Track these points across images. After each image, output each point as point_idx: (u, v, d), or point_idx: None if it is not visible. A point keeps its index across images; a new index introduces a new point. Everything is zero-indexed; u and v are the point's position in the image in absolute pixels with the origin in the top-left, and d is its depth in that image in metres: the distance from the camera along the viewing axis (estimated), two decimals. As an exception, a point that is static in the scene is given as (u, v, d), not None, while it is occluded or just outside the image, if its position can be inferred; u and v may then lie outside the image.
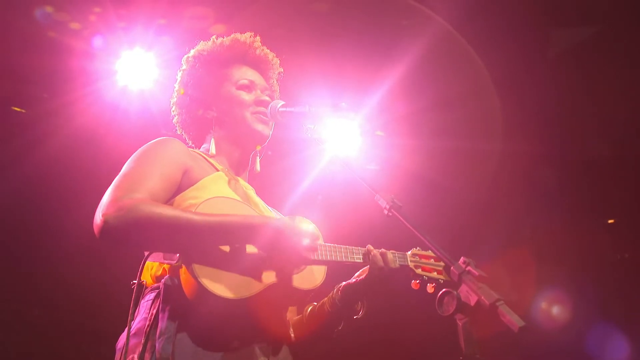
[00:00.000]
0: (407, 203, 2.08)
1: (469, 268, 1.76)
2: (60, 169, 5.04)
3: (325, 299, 2.45)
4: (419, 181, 5.58)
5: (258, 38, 2.72)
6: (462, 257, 1.80)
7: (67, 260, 5.28)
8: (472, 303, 1.70)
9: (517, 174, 5.83)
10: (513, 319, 1.62)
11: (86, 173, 5.04)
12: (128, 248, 2.18)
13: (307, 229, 2.23)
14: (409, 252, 2.54)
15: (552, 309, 6.13)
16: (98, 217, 2.03)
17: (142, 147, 2.32)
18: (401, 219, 2.01)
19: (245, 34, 2.70)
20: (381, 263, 2.37)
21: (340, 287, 2.43)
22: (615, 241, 6.26)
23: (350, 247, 2.37)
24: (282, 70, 2.80)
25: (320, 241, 2.32)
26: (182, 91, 2.66)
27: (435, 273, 2.49)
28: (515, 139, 5.45)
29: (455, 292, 1.74)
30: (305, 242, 2.16)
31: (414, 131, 5.51)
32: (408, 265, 2.47)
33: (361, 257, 2.38)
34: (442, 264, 2.50)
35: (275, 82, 2.78)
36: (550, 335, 5.59)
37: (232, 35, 2.69)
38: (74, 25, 4.45)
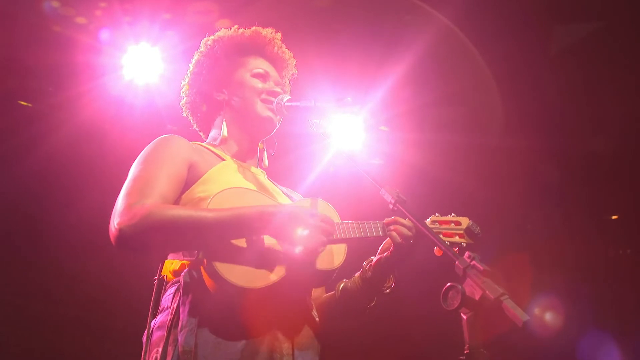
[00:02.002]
0: (410, 197, 2.09)
1: (473, 262, 1.78)
2: (65, 163, 5.05)
3: (357, 274, 2.45)
4: (423, 176, 5.59)
5: (279, 35, 2.73)
6: (467, 252, 1.81)
7: (71, 254, 5.30)
8: (477, 297, 1.71)
9: (519, 170, 5.84)
10: (517, 314, 1.64)
11: (91, 167, 5.06)
12: (146, 254, 2.21)
13: (321, 212, 2.23)
14: (428, 220, 2.53)
15: (546, 314, 6.13)
16: (113, 227, 2.07)
17: (145, 149, 2.34)
18: (406, 213, 2.03)
19: (268, 29, 2.72)
20: (407, 232, 2.34)
21: (371, 261, 2.42)
22: (615, 238, 6.27)
23: (368, 222, 2.36)
24: (297, 72, 2.80)
25: (337, 220, 2.33)
26: (194, 76, 2.66)
27: (457, 237, 2.46)
28: (516, 135, 5.46)
29: (459, 287, 1.75)
30: (320, 224, 2.16)
31: (418, 126, 5.52)
32: None
33: (380, 231, 2.36)
34: (463, 226, 2.47)
35: (288, 82, 2.79)
36: (546, 338, 5.59)
37: (254, 28, 2.71)
38: (80, 20, 4.46)
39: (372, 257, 2.43)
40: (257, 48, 2.68)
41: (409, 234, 2.33)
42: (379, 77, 5.01)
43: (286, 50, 2.75)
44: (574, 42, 5.07)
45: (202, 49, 2.69)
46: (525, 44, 5.04)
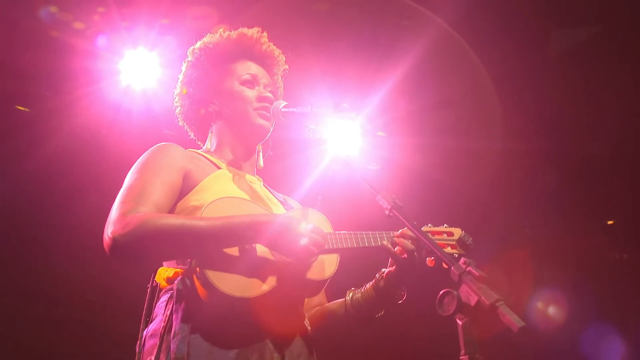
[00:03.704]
0: (408, 203, 2.09)
1: (469, 268, 1.77)
2: (62, 167, 5.05)
3: (369, 285, 2.44)
4: (420, 181, 5.59)
5: (265, 34, 2.72)
6: (462, 258, 1.81)
7: (69, 256, 5.30)
8: (473, 303, 1.71)
9: (517, 173, 5.84)
10: (513, 319, 1.63)
11: (88, 172, 5.06)
12: (139, 263, 2.21)
13: (312, 221, 2.23)
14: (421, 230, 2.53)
15: (549, 309, 6.14)
16: (107, 236, 2.07)
17: (141, 158, 2.34)
18: (402, 219, 2.02)
19: (253, 28, 2.71)
20: (411, 246, 2.32)
21: (383, 273, 2.41)
22: (614, 242, 6.27)
23: (364, 232, 2.35)
24: (288, 67, 2.80)
25: (330, 230, 2.32)
26: (183, 90, 2.68)
27: (449, 248, 2.45)
28: (515, 138, 5.47)
29: (455, 292, 1.74)
30: (310, 235, 2.16)
31: (415, 131, 5.52)
32: None
33: (379, 241, 2.35)
34: (455, 237, 2.47)
35: (280, 78, 2.79)
36: (546, 336, 5.60)
37: (240, 30, 2.70)
38: (78, 25, 4.46)
39: (384, 270, 2.42)
40: (244, 50, 2.67)
41: (412, 247, 2.31)
42: (376, 81, 5.01)
43: (274, 47, 2.74)
44: (572, 45, 5.08)
45: (189, 58, 2.68)
46: (524, 46, 5.05)
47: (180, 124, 2.73)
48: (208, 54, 2.65)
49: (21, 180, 4.97)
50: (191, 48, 2.70)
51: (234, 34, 2.68)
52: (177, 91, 2.70)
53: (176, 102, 2.71)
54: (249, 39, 2.68)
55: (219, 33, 2.69)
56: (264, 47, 2.70)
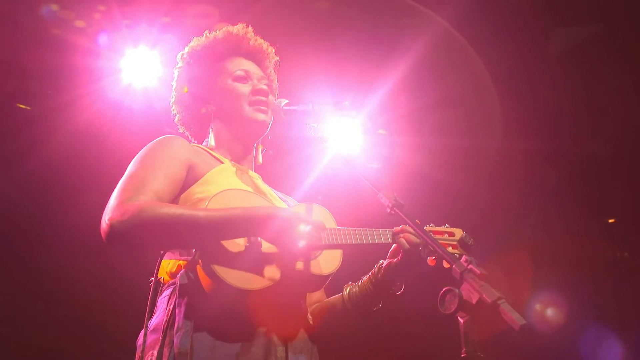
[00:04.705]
0: (409, 200, 2.09)
1: (470, 266, 1.77)
2: (64, 166, 5.05)
3: (365, 277, 2.43)
4: (420, 180, 5.60)
5: (251, 29, 2.70)
6: (464, 256, 1.81)
7: (71, 255, 5.30)
8: (474, 301, 1.71)
9: (517, 173, 5.84)
10: (514, 317, 1.63)
11: (90, 170, 5.06)
12: (136, 251, 2.20)
13: (316, 217, 2.23)
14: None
15: (548, 310, 6.14)
16: (104, 222, 2.06)
17: (144, 148, 2.33)
18: (404, 217, 2.02)
19: (238, 25, 2.69)
20: (415, 239, 2.31)
21: (382, 265, 2.40)
22: (614, 240, 6.27)
23: (367, 229, 2.34)
24: (278, 58, 2.78)
25: (333, 225, 2.32)
26: (184, 89, 2.67)
27: (450, 248, 2.43)
28: (515, 137, 5.47)
29: (457, 290, 1.74)
30: (312, 232, 2.16)
31: (416, 129, 5.52)
32: None
33: (382, 237, 2.35)
34: (456, 237, 2.46)
35: (273, 71, 2.77)
36: (546, 336, 5.60)
37: (225, 28, 2.68)
38: (79, 23, 4.46)
39: (382, 261, 2.41)
40: (233, 48, 2.65)
41: (417, 241, 2.31)
42: (377, 80, 5.02)
43: (262, 41, 2.72)
44: (572, 44, 5.08)
45: (179, 64, 2.67)
46: (524, 45, 5.05)
47: (181, 130, 2.71)
48: (197, 57, 2.63)
49: (22, 179, 4.97)
50: (179, 54, 2.69)
51: (219, 33, 2.66)
52: (172, 99, 2.69)
53: (173, 110, 2.70)
54: (235, 37, 2.66)
55: (204, 35, 2.67)
56: (252, 42, 2.68)
